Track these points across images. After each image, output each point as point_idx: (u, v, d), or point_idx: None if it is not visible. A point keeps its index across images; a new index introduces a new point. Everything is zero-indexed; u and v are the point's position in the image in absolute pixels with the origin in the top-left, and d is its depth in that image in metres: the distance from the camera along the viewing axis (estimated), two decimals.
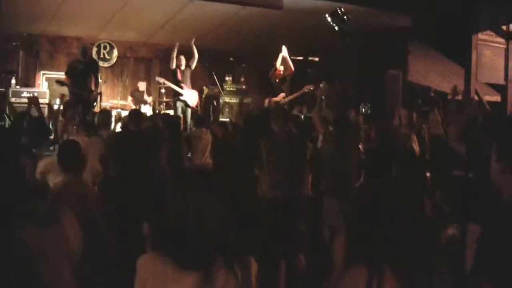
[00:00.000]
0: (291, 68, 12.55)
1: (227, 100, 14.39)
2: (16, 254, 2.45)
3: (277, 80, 12.58)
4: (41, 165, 5.72)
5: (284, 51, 12.48)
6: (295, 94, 12.39)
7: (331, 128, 6.94)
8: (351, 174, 6.67)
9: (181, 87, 12.57)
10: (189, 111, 12.71)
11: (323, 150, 6.81)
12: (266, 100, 12.49)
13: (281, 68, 12.53)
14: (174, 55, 12.59)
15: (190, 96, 12.78)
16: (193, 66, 12.79)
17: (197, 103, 13.18)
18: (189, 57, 12.77)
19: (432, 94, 11.34)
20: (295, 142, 6.22)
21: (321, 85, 8.93)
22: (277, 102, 12.08)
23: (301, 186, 6.07)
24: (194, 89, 13.17)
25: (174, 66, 12.61)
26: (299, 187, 6.04)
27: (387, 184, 2.35)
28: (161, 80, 13.17)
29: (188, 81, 12.83)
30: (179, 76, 12.66)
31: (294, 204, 5.92)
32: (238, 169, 7.77)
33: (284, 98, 12.38)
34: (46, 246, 2.44)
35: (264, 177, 6.10)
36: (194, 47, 12.66)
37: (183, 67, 12.70)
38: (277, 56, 12.50)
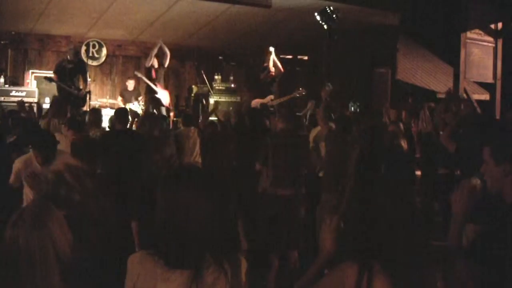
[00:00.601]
0: (280, 68, 12.52)
1: (216, 99, 14.39)
2: (4, 255, 2.41)
3: (268, 79, 12.55)
4: (17, 163, 5.50)
5: (273, 53, 12.47)
6: (285, 98, 12.31)
7: (332, 126, 6.97)
8: (350, 172, 6.68)
9: (155, 85, 12.65)
10: (163, 109, 12.71)
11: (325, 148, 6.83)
12: (254, 102, 12.43)
13: (273, 69, 12.52)
14: (154, 53, 12.66)
15: (163, 96, 12.83)
16: (166, 64, 12.91)
17: (169, 103, 13.22)
18: (160, 56, 12.83)
19: (410, 101, 11.40)
20: (298, 140, 6.25)
21: (326, 87, 8.98)
22: (264, 104, 11.99)
23: (301, 184, 6.10)
24: (183, 88, 13.15)
25: (150, 64, 12.70)
26: (299, 184, 6.06)
27: (378, 182, 2.35)
28: (139, 74, 13.20)
29: (162, 80, 12.89)
30: (153, 75, 12.73)
31: (293, 202, 5.94)
32: (230, 167, 7.76)
33: (272, 100, 12.31)
34: (33, 248, 2.39)
35: (266, 174, 6.11)
36: (163, 45, 12.80)
37: (156, 66, 12.78)
38: (268, 58, 12.48)
